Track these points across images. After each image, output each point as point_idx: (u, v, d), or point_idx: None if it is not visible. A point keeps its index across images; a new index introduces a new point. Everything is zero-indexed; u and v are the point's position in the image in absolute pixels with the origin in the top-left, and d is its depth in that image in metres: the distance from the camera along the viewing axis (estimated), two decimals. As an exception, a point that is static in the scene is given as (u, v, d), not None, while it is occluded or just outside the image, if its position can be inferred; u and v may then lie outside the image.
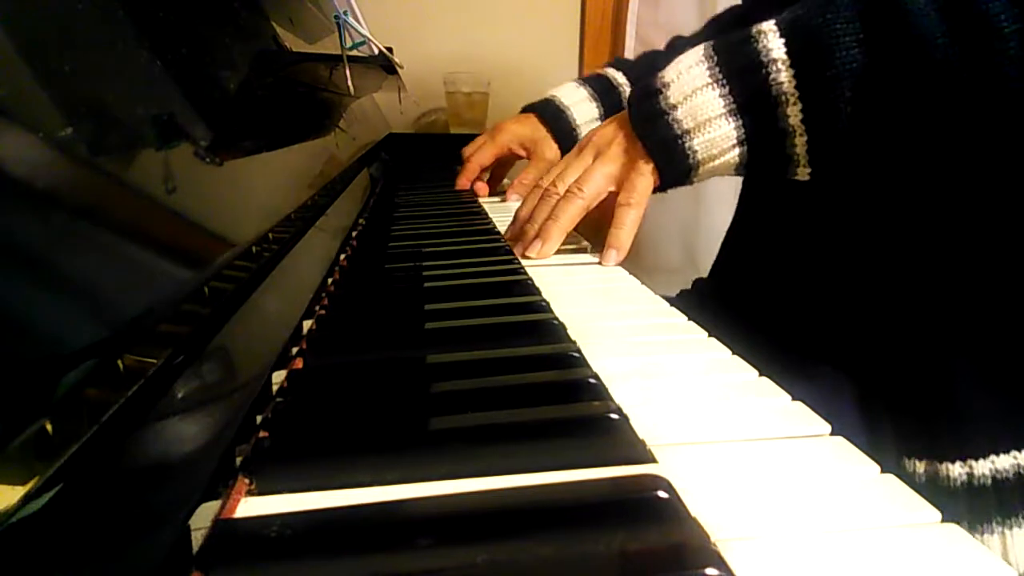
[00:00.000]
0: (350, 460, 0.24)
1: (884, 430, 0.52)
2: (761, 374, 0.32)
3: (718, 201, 1.50)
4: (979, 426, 0.48)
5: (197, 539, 0.20)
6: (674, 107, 0.51)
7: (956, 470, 0.47)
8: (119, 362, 0.21)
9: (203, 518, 0.21)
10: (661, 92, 0.52)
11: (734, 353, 0.35)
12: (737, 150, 0.51)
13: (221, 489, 0.23)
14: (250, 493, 0.23)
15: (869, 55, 0.45)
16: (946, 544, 0.20)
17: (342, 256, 0.56)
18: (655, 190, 0.55)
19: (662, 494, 0.21)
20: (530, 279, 0.48)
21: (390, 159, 1.31)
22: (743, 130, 0.50)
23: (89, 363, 0.19)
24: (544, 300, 0.42)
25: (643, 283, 0.50)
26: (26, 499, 0.16)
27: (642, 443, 0.25)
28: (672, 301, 0.44)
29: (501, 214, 0.78)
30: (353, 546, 0.20)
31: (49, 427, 0.17)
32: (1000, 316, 0.49)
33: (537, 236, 0.57)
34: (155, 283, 0.24)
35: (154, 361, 0.23)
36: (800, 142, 0.49)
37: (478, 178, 0.94)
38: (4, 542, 0.15)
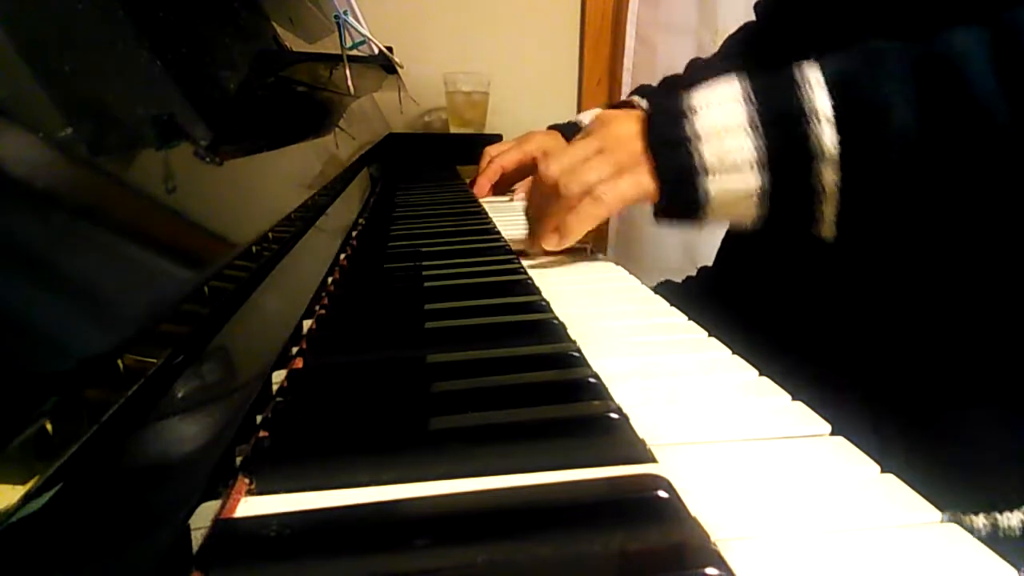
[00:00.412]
0: (350, 460, 0.24)
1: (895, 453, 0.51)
2: (761, 374, 0.32)
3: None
4: (1006, 478, 0.45)
5: (197, 539, 0.20)
6: (700, 137, 0.47)
7: (980, 522, 0.45)
8: (119, 362, 0.21)
9: (203, 518, 0.21)
10: (688, 117, 0.47)
11: (734, 353, 0.35)
12: (757, 203, 0.47)
13: (221, 489, 0.23)
14: (250, 493, 0.23)
15: (922, 120, 0.42)
16: (946, 544, 0.20)
17: (342, 256, 0.56)
18: (657, 213, 0.51)
19: (662, 494, 0.21)
20: (530, 279, 0.48)
21: (390, 159, 1.31)
22: (769, 184, 0.46)
23: (89, 363, 0.19)
24: (544, 300, 0.42)
25: (643, 283, 0.50)
26: (26, 499, 0.16)
27: (642, 443, 0.25)
28: (673, 287, 0.43)
29: (504, 214, 0.78)
30: (352, 546, 0.20)
31: (49, 427, 0.17)
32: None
33: (555, 230, 0.53)
34: (155, 283, 0.24)
35: (154, 361, 0.23)
36: (830, 205, 0.45)
37: (496, 185, 0.94)
38: (4, 542, 0.16)
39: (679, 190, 0.47)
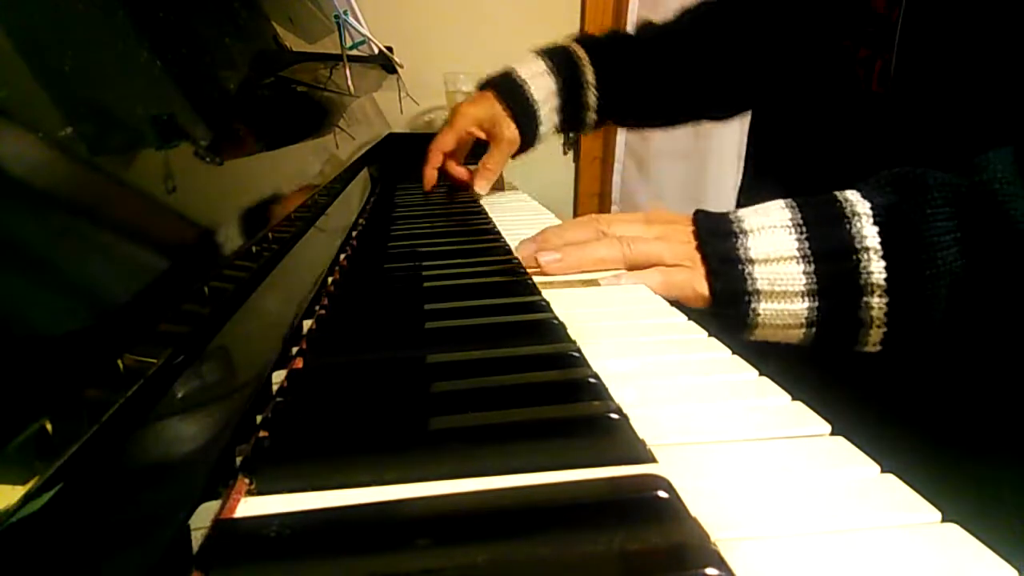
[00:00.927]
0: (350, 460, 0.24)
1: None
2: (761, 374, 0.32)
3: (719, 202, 1.50)
4: None
5: (197, 539, 0.20)
6: (752, 262, 0.47)
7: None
8: (119, 362, 0.21)
9: (203, 518, 0.21)
10: (739, 238, 0.48)
11: (734, 353, 0.35)
12: (804, 330, 0.48)
13: (221, 489, 0.23)
14: (250, 493, 0.23)
15: (967, 256, 0.43)
16: (946, 544, 0.20)
17: (342, 256, 0.56)
18: (707, 321, 0.50)
19: (662, 494, 0.21)
20: (530, 279, 0.48)
21: (390, 159, 1.31)
22: (816, 313, 0.47)
23: (89, 363, 0.19)
24: (544, 300, 0.42)
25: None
26: (26, 499, 0.16)
27: (642, 443, 0.25)
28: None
29: (504, 214, 0.78)
30: (353, 546, 0.20)
31: (49, 427, 0.17)
32: None
33: (558, 250, 0.52)
34: (155, 283, 0.24)
35: (154, 361, 0.23)
36: (876, 332, 0.46)
37: (445, 165, 0.90)
38: (4, 542, 0.16)
39: (731, 309, 0.48)
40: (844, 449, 0.25)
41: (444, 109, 1.54)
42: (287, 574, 0.20)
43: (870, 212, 0.45)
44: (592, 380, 0.30)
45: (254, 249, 0.37)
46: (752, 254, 0.47)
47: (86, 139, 0.23)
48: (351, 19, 0.83)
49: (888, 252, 0.44)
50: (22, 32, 0.22)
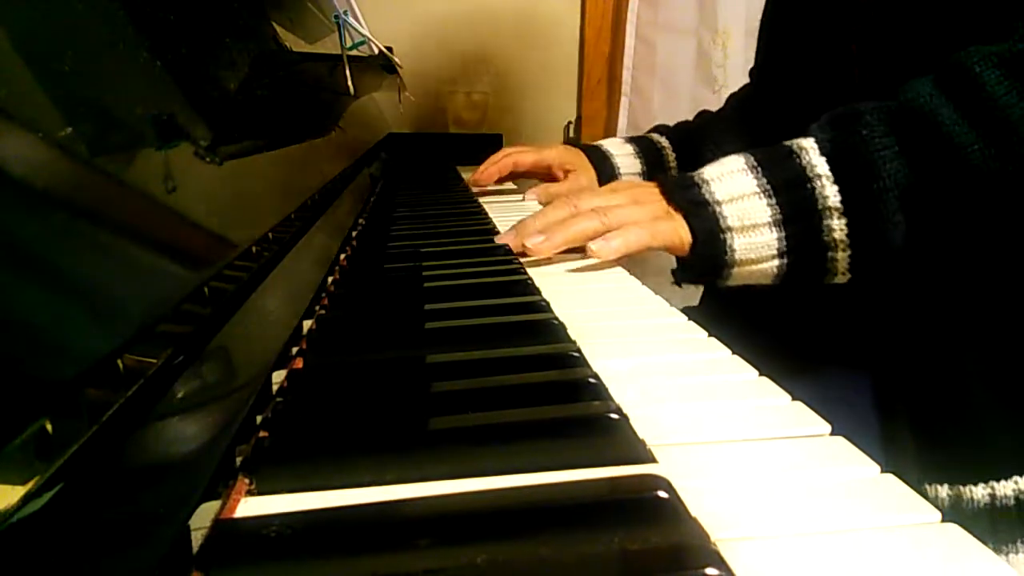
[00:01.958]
0: (350, 460, 0.24)
1: (905, 453, 0.52)
2: (761, 374, 0.32)
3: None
4: (1002, 448, 0.48)
5: (197, 539, 0.20)
6: (720, 202, 0.51)
7: (979, 492, 0.47)
8: (119, 362, 0.21)
9: (203, 518, 0.21)
10: (703, 185, 0.52)
11: (734, 353, 0.35)
12: (776, 260, 0.51)
13: (221, 489, 0.23)
14: (250, 493, 0.23)
15: (909, 167, 0.47)
16: (946, 544, 0.20)
17: (342, 256, 0.56)
18: (679, 277, 0.54)
19: (662, 494, 0.21)
20: (530, 279, 0.48)
21: (390, 159, 1.31)
22: (785, 241, 0.50)
23: (89, 363, 0.19)
24: (544, 300, 0.42)
25: (643, 283, 0.50)
26: (26, 499, 0.16)
27: (642, 443, 0.25)
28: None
29: (508, 214, 0.78)
30: (353, 546, 0.20)
31: (49, 427, 0.17)
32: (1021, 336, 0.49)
33: (542, 232, 0.55)
34: (155, 283, 0.24)
35: (154, 361, 0.23)
36: (843, 256, 0.50)
37: (501, 179, 0.92)
38: (4, 542, 0.16)
39: (709, 246, 0.51)
40: (844, 449, 0.25)
41: (444, 109, 1.54)
42: (287, 574, 0.20)
43: (815, 145, 0.50)
44: (592, 380, 0.30)
45: (254, 249, 0.37)
46: (718, 196, 0.51)
47: (86, 139, 0.23)
48: (351, 19, 0.83)
49: (839, 177, 0.48)
50: (22, 32, 0.22)
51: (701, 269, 0.52)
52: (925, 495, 0.49)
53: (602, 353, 0.34)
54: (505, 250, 0.57)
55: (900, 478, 0.23)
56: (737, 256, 0.51)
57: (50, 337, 0.18)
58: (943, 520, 0.21)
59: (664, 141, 0.88)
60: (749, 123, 0.85)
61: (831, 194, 0.48)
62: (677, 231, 0.52)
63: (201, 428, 0.25)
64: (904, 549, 0.20)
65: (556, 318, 0.38)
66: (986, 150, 0.44)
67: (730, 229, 0.51)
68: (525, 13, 1.63)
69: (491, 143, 1.38)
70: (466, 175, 1.06)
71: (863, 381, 0.57)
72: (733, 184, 0.51)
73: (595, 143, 0.90)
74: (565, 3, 1.65)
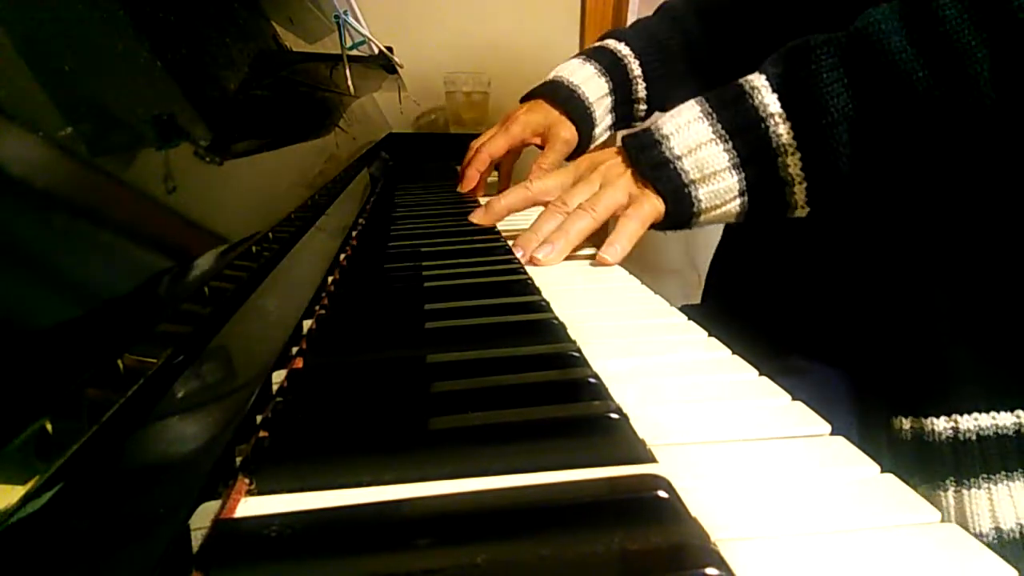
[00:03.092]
0: (350, 460, 0.24)
1: (873, 399, 0.54)
2: (761, 373, 0.32)
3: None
4: (964, 383, 0.49)
5: (197, 539, 0.20)
6: (679, 157, 0.53)
7: (941, 425, 0.48)
8: (119, 362, 0.21)
9: (203, 518, 0.21)
10: (663, 143, 0.54)
11: (734, 353, 0.35)
12: (739, 200, 0.53)
13: (221, 489, 0.23)
14: (250, 493, 0.23)
15: (857, 98, 0.48)
16: (946, 544, 0.20)
17: (342, 256, 0.56)
18: (654, 226, 0.57)
19: (662, 494, 0.21)
20: (530, 279, 0.48)
21: (390, 159, 1.31)
22: (745, 182, 0.52)
23: (89, 363, 0.19)
24: (544, 300, 0.42)
25: (643, 283, 0.50)
26: (26, 499, 0.16)
27: (642, 443, 0.25)
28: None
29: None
30: (353, 546, 0.20)
31: (49, 427, 0.17)
32: (986, 279, 0.50)
33: (546, 242, 0.56)
34: (155, 283, 0.24)
35: (154, 361, 0.23)
36: (800, 189, 0.51)
37: (486, 171, 0.88)
38: (4, 542, 0.16)
39: (678, 203, 0.54)
40: (844, 449, 0.25)
41: (444, 109, 1.54)
42: (287, 574, 0.20)
43: (767, 83, 0.51)
44: (592, 380, 0.30)
45: (254, 249, 0.37)
46: (676, 151, 0.54)
47: (86, 139, 0.23)
48: (351, 19, 0.83)
49: (791, 114, 0.50)
50: (22, 32, 0.22)
51: (673, 222, 0.56)
52: (892, 428, 0.51)
53: (602, 353, 0.34)
54: (505, 249, 0.57)
55: (901, 478, 0.23)
56: (703, 205, 0.54)
57: (50, 337, 0.18)
58: (941, 521, 0.21)
59: (624, 48, 0.86)
60: (730, 16, 0.83)
61: (783, 132, 0.50)
62: (654, 204, 0.55)
63: (201, 428, 0.25)
64: (904, 549, 0.20)
65: (556, 318, 0.38)
66: (929, 78, 0.45)
67: (693, 182, 0.53)
68: (525, 13, 1.63)
69: (491, 143, 1.38)
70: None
71: (826, 326, 0.58)
72: (690, 135, 0.53)
73: (554, 78, 0.86)
74: (565, 3, 1.65)
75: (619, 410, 0.27)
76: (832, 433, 0.27)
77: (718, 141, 0.52)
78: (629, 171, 0.56)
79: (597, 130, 0.86)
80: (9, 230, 0.18)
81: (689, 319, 0.41)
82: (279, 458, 0.25)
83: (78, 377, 0.19)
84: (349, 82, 0.77)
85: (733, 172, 0.52)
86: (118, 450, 0.20)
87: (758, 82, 0.51)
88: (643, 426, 0.26)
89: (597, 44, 0.89)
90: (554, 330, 0.37)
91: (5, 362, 0.16)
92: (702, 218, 0.55)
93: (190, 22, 0.39)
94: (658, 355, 0.36)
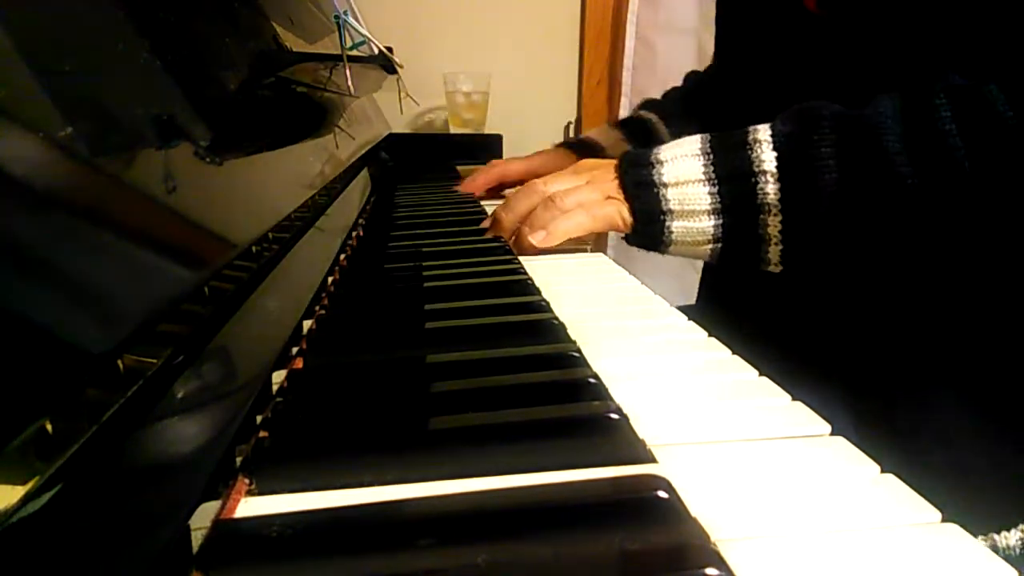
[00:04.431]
0: (350, 460, 0.24)
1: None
2: (761, 373, 0.32)
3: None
4: (1001, 494, 0.48)
5: (197, 539, 0.20)
6: (665, 185, 0.54)
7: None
8: (119, 362, 0.21)
9: (203, 518, 0.21)
10: (655, 166, 0.55)
11: (734, 353, 0.35)
12: (710, 246, 0.54)
13: (221, 489, 0.23)
14: (250, 493, 0.23)
15: (846, 179, 0.49)
16: (946, 544, 0.20)
17: (342, 256, 0.56)
18: (626, 238, 0.58)
19: (662, 494, 0.21)
20: (530, 279, 0.48)
21: (390, 159, 1.31)
22: (721, 229, 0.53)
23: (89, 363, 0.19)
24: (544, 300, 0.42)
25: (643, 283, 0.50)
26: (26, 499, 0.16)
27: (642, 443, 0.25)
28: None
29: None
30: (353, 546, 0.20)
31: (49, 427, 0.17)
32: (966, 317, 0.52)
33: (520, 223, 0.59)
34: (155, 283, 0.24)
35: (154, 361, 0.23)
36: (775, 250, 0.52)
37: (491, 189, 0.93)
38: (4, 542, 0.15)
39: (649, 227, 0.55)
40: (844, 449, 0.25)
41: (444, 109, 1.54)
42: (287, 574, 0.20)
43: (770, 139, 0.51)
44: (592, 380, 0.30)
45: (254, 249, 0.37)
46: (665, 179, 0.54)
47: (86, 139, 0.23)
48: (351, 19, 0.83)
49: (783, 175, 0.50)
50: (22, 32, 0.22)
51: (641, 242, 0.56)
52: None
53: (602, 353, 0.34)
54: (505, 249, 0.57)
55: (900, 478, 0.23)
56: (675, 238, 0.54)
57: (50, 337, 0.18)
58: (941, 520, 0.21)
59: (652, 116, 0.88)
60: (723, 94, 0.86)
61: (771, 191, 0.50)
62: (620, 212, 0.55)
63: (201, 428, 0.25)
64: (904, 549, 0.20)
65: (556, 318, 0.38)
66: (916, 179, 0.46)
67: (670, 212, 0.54)
68: (525, 13, 1.63)
69: (491, 143, 1.38)
70: (466, 175, 1.06)
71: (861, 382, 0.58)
72: (682, 168, 0.54)
73: (584, 137, 0.91)
74: (565, 3, 1.65)
75: (619, 410, 0.27)
76: (832, 433, 0.27)
77: (706, 183, 0.52)
78: (616, 181, 0.57)
79: None
80: (9, 230, 0.18)
81: (689, 319, 0.41)
82: (279, 458, 0.25)
83: (78, 377, 0.19)
84: (349, 82, 0.77)
85: (712, 216, 0.53)
86: (118, 450, 0.20)
87: (763, 135, 0.52)
88: (643, 426, 0.26)
89: (631, 116, 0.92)
90: (554, 330, 0.37)
91: (5, 362, 0.16)
92: (671, 249, 0.55)
93: (190, 22, 0.39)
94: (658, 355, 0.36)
